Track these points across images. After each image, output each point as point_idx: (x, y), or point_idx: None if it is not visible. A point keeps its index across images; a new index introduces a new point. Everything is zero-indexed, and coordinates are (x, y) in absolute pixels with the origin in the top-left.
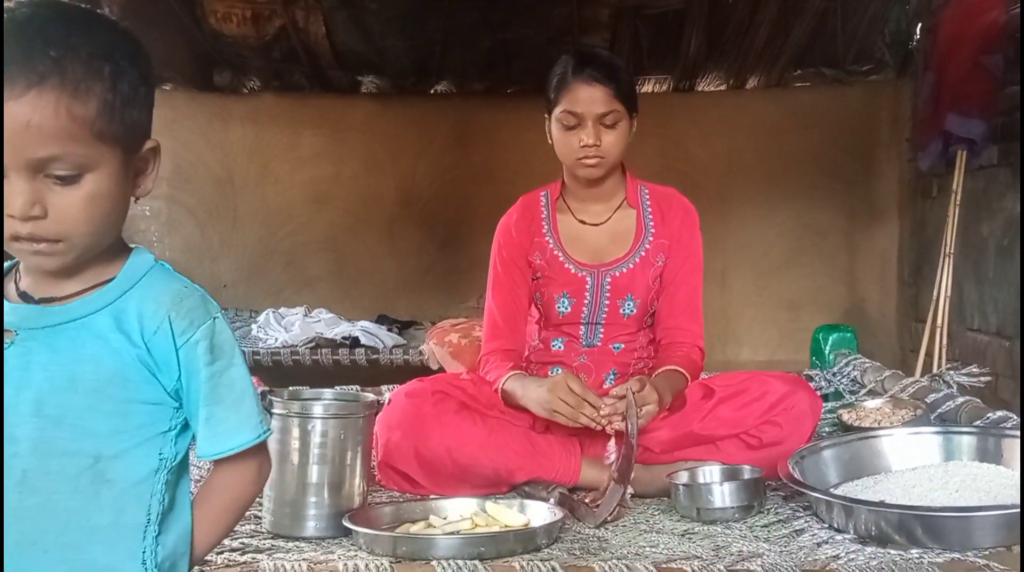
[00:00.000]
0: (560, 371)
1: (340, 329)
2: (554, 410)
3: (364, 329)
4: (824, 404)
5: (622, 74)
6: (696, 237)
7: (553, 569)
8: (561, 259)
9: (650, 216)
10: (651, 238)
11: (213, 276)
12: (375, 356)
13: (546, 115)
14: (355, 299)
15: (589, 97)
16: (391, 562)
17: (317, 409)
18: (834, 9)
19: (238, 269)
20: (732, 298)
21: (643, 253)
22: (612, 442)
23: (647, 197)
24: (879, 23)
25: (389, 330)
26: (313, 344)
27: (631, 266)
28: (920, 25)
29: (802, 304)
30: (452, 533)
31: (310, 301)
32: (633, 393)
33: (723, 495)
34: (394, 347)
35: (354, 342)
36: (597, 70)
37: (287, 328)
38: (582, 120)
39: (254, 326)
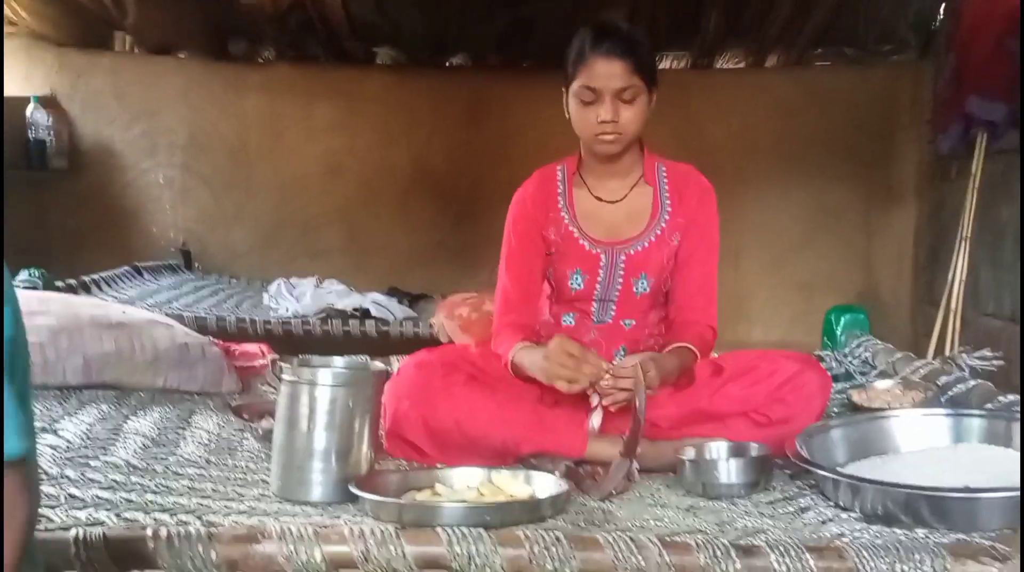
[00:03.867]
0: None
1: (351, 300)
2: (554, 376)
3: (375, 301)
4: (835, 385)
5: (641, 48)
6: (713, 217)
7: (557, 539)
8: (576, 235)
9: (667, 194)
10: (667, 217)
11: (226, 245)
12: (385, 328)
13: (564, 89)
14: (367, 271)
15: (607, 72)
16: (396, 528)
17: (326, 376)
18: None
19: (251, 239)
20: (746, 278)
21: (659, 231)
22: (595, 397)
23: (664, 175)
24: (902, 3)
25: (400, 302)
26: (324, 315)
27: (646, 245)
28: (943, 6)
29: (816, 286)
30: (458, 502)
31: (322, 272)
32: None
33: (729, 471)
34: (404, 319)
35: (365, 313)
36: (616, 44)
37: (298, 298)
38: (600, 95)
39: (265, 295)
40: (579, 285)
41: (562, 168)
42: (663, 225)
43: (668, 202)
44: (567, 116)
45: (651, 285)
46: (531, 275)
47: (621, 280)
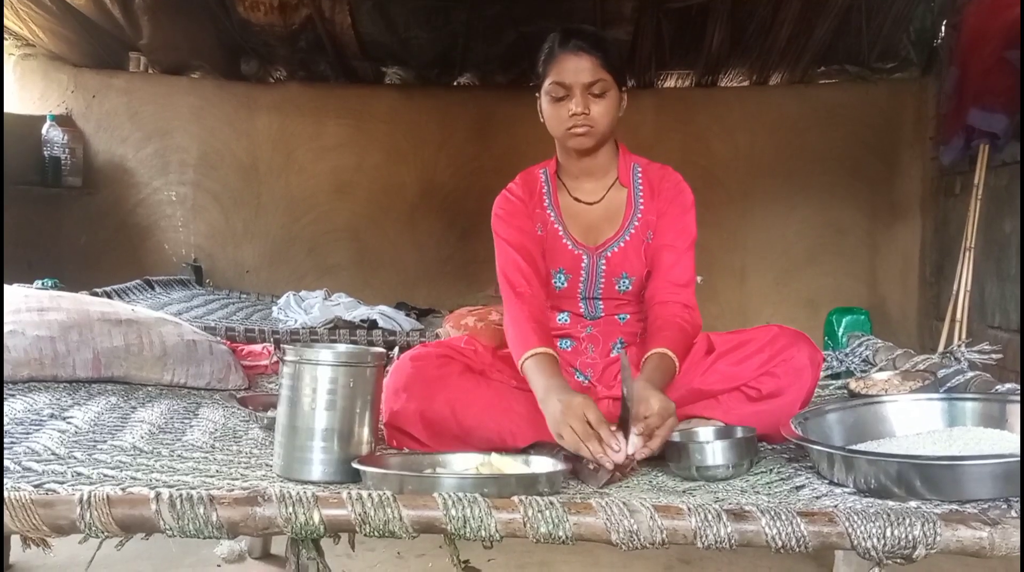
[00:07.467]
0: (570, 343)
1: (359, 312)
2: (559, 435)
3: (382, 313)
4: (835, 382)
5: (608, 46)
6: (686, 209)
7: (551, 502)
8: (560, 234)
9: (640, 192)
10: (640, 215)
11: (236, 261)
12: (392, 338)
13: (537, 95)
14: (375, 287)
15: (575, 67)
16: (393, 493)
17: (327, 356)
18: (858, 6)
19: (261, 255)
20: (751, 295)
21: (632, 230)
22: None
23: (639, 174)
24: (904, 21)
25: (407, 315)
26: (332, 325)
27: (622, 245)
28: (945, 23)
29: (822, 302)
30: (456, 474)
31: (331, 288)
32: (628, 357)
33: (715, 452)
34: (411, 330)
35: (372, 324)
36: (583, 41)
37: (307, 310)
38: (570, 90)
39: (274, 308)
40: (563, 284)
41: (544, 170)
42: (636, 223)
43: (641, 200)
44: (541, 119)
45: (633, 284)
46: (535, 254)
47: (603, 280)
